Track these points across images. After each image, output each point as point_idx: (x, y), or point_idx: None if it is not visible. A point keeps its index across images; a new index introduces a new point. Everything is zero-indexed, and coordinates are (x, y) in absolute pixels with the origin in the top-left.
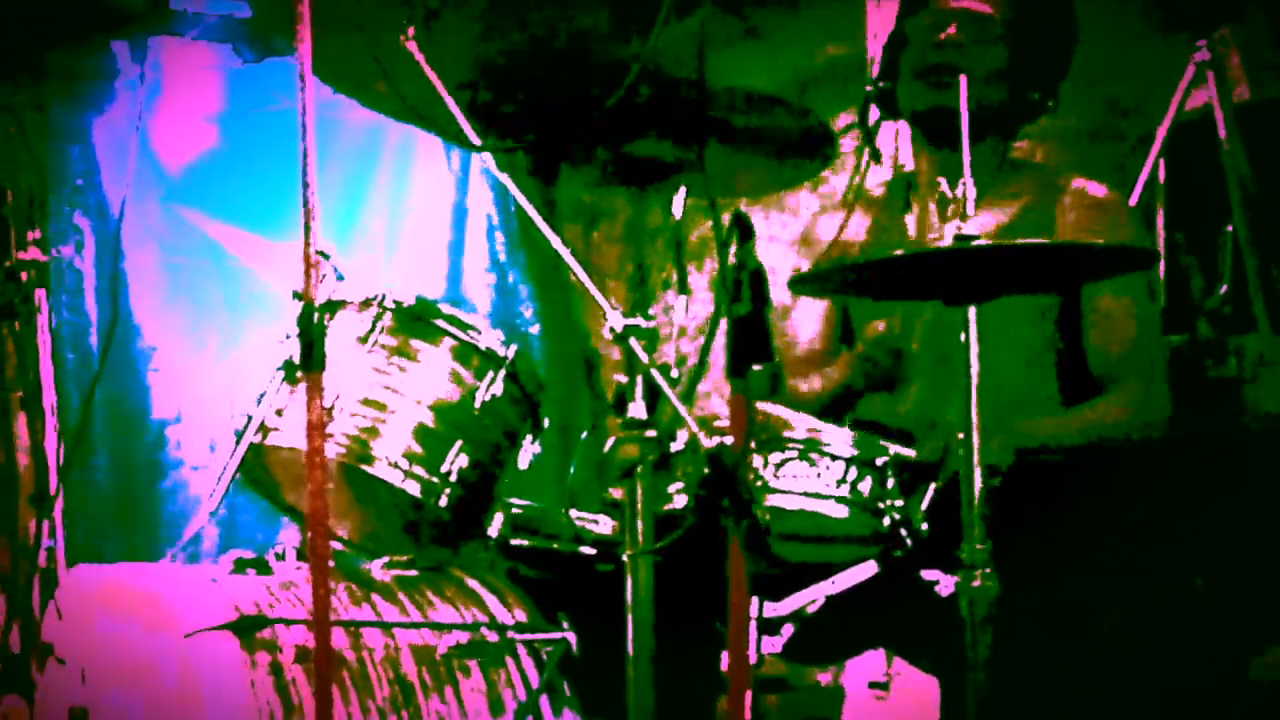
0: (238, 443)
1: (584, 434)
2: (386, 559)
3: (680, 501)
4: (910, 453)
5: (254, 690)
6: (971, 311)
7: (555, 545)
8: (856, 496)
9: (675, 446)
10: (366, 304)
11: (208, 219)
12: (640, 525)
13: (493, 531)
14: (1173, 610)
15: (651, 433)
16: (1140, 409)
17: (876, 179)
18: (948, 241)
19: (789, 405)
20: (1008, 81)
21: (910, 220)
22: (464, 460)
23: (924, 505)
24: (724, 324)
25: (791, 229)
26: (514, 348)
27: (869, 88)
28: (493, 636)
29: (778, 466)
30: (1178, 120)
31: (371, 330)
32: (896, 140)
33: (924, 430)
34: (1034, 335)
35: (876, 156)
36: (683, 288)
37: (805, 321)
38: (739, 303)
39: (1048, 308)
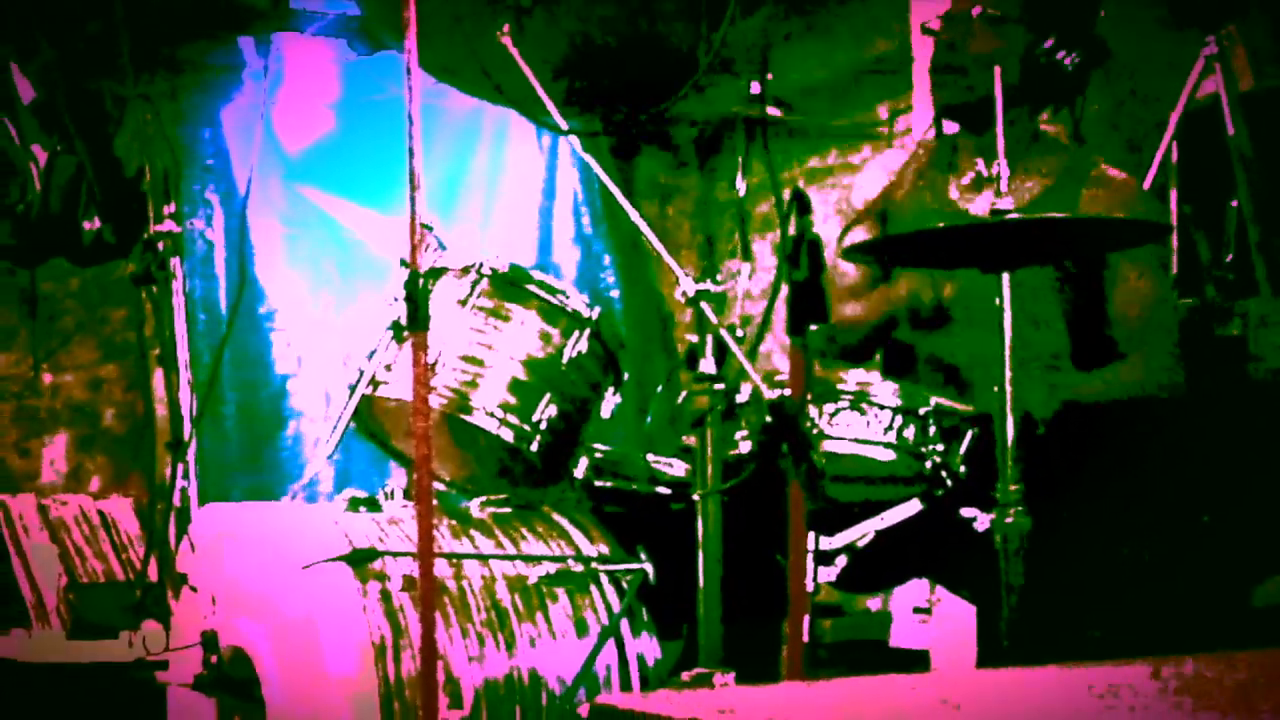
0: (351, 395)
1: (659, 387)
2: (484, 498)
3: (745, 447)
4: (967, 408)
5: (365, 615)
6: (1005, 278)
7: (634, 486)
8: (902, 442)
9: (741, 398)
10: (466, 270)
11: (324, 195)
12: (710, 468)
13: (578, 473)
14: (1182, 544)
15: (720, 386)
16: (1158, 371)
17: (925, 133)
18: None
19: (838, 333)
20: (1034, 58)
21: (955, 185)
22: (553, 410)
23: (962, 450)
24: (784, 289)
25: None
26: (597, 310)
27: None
28: (578, 567)
29: (832, 415)
30: (1188, 107)
31: (470, 294)
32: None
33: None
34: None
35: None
36: (747, 256)
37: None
38: (798, 269)
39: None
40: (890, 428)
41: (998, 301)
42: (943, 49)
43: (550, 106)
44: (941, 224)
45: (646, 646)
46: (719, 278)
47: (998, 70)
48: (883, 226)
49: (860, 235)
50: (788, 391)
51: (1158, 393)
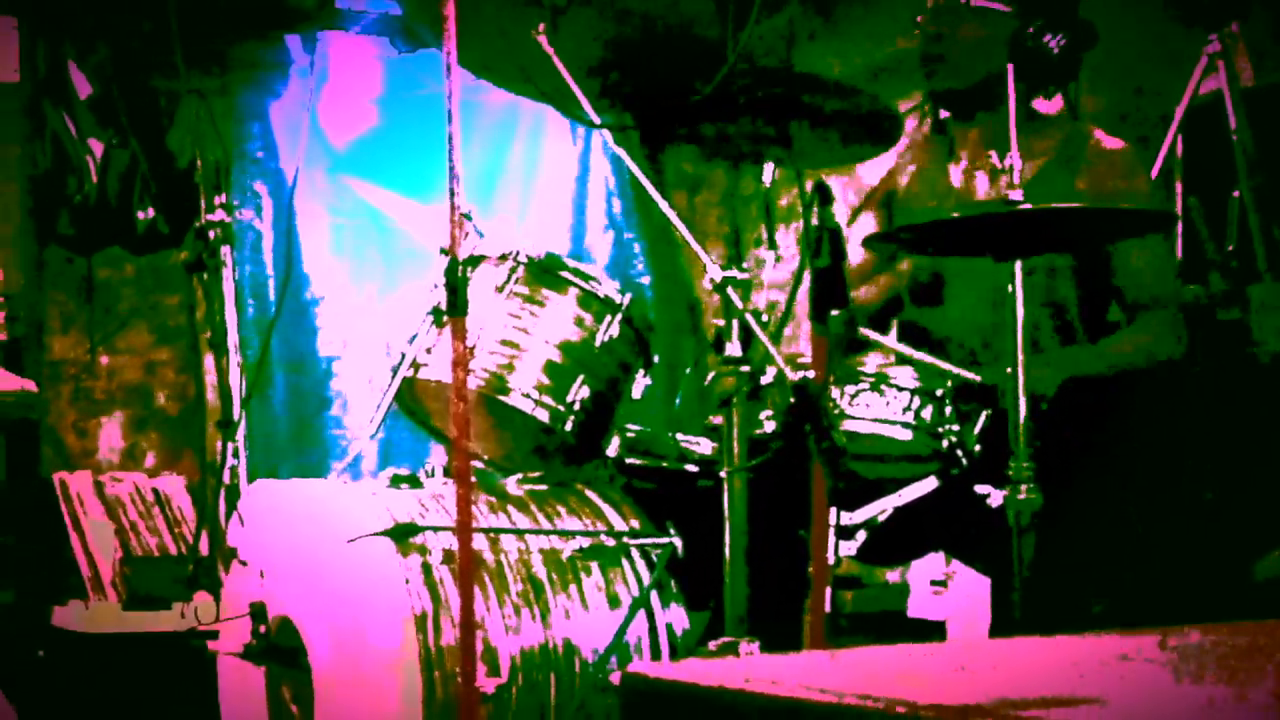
0: (393, 377)
1: (688, 369)
2: (520, 475)
3: (770, 427)
4: (976, 378)
5: (407, 587)
6: (1017, 265)
7: (664, 463)
8: (920, 422)
9: (765, 380)
10: (503, 258)
11: (368, 186)
12: (736, 447)
13: (611, 452)
14: (1186, 520)
15: (745, 368)
16: (1160, 338)
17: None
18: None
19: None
20: (1021, 42)
21: (954, 170)
22: (586, 391)
23: (977, 430)
24: (807, 276)
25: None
26: (628, 296)
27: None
28: (610, 541)
29: (853, 397)
30: (1193, 103)
31: (507, 280)
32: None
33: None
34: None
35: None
36: (772, 245)
37: (860, 238)
38: (820, 258)
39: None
40: (908, 408)
41: (1010, 289)
42: (929, 40)
43: (584, 101)
44: (956, 214)
45: (675, 617)
46: (745, 265)
47: (1010, 68)
48: (888, 212)
49: (867, 220)
50: (810, 374)
51: (1163, 362)
